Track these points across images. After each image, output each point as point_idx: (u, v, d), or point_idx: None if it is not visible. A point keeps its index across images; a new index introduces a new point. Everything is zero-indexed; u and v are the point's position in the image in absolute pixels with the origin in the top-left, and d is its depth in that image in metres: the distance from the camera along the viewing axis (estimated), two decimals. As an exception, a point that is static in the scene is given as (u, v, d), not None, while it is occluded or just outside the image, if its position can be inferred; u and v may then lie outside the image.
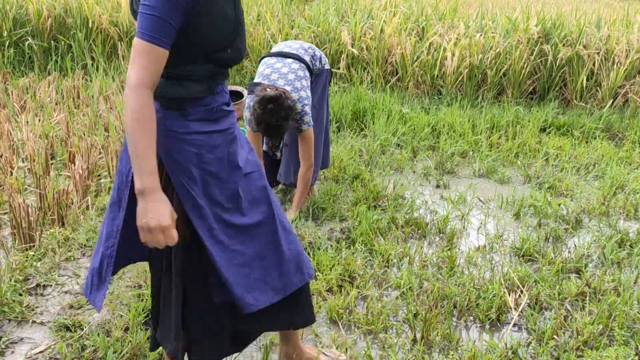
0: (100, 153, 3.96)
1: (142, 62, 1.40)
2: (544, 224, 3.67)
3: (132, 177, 1.52)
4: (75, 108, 5.15)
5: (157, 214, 1.41)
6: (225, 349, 1.79)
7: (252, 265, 1.64)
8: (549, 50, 6.19)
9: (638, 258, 3.22)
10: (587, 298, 2.79)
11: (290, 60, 3.27)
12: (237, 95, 5.39)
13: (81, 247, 2.73)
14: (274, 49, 3.43)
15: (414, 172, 4.49)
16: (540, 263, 3.14)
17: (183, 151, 1.52)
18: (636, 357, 2.35)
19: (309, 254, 3.09)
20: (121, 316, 2.25)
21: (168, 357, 1.72)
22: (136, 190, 1.42)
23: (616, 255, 3.22)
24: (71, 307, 2.31)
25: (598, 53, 6.18)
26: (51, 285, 2.45)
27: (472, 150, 4.92)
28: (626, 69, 6.04)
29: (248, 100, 3.12)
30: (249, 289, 1.62)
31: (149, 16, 1.40)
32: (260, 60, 3.38)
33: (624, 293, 2.77)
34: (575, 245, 3.38)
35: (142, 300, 2.36)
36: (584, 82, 6.12)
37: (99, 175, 3.78)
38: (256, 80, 3.24)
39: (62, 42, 6.53)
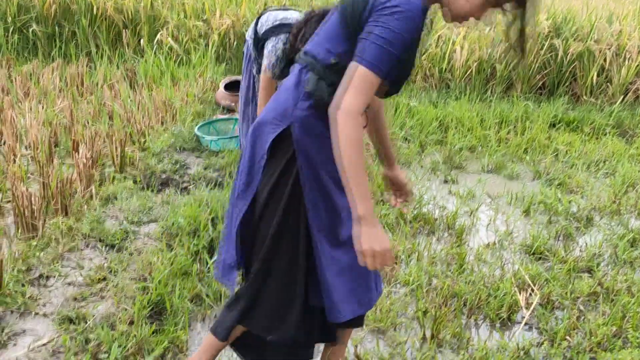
0: (104, 142, 3.91)
1: (363, 90, 1.42)
2: (554, 222, 3.61)
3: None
4: (79, 96, 5.09)
5: (381, 239, 1.45)
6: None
7: (344, 275, 1.64)
8: (559, 45, 6.10)
9: (651, 258, 3.16)
10: (600, 298, 2.74)
11: (295, 11, 3.07)
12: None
13: (85, 238, 2.68)
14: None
15: (422, 166, 4.42)
16: (551, 261, 3.08)
17: (321, 151, 1.55)
18: (652, 360, 2.30)
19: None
20: (126, 309, 2.19)
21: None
22: (354, 217, 1.45)
23: (629, 255, 3.16)
24: (75, 299, 2.26)
25: (609, 48, 6.09)
26: (54, 276, 2.39)
27: (481, 145, 4.85)
28: (638, 65, 5.96)
29: (272, 43, 2.91)
30: (341, 298, 1.63)
31: (381, 48, 1.41)
32: (261, 15, 3.07)
33: (638, 294, 2.71)
34: (586, 243, 3.32)
35: (147, 292, 2.31)
36: (595, 77, 6.04)
37: (102, 164, 3.72)
38: (269, 25, 2.94)
39: (66, 29, 6.45)
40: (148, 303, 2.25)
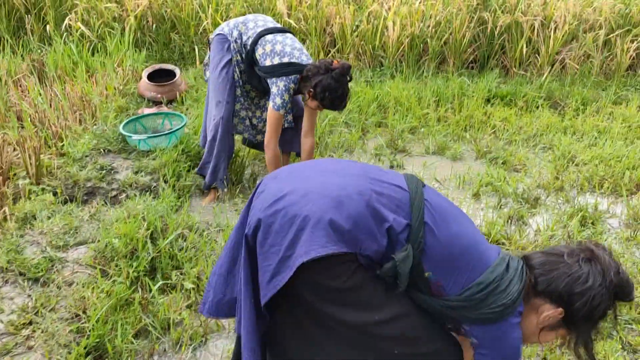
0: (15, 150, 3.45)
1: None
2: (504, 204, 3.56)
3: None
4: (-19, 94, 4.51)
5: None
6: None
7: None
8: (488, 18, 6.08)
9: (602, 237, 3.17)
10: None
11: (290, 34, 3.20)
12: (168, 74, 4.93)
13: (2, 272, 2.30)
14: (263, 25, 3.18)
15: (366, 152, 4.26)
16: (508, 249, 3.01)
17: None
18: (624, 351, 2.27)
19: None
20: (60, 361, 1.89)
21: None
22: None
23: (581, 235, 3.15)
24: (-5, 354, 1.92)
25: (536, 19, 6.13)
26: (-32, 326, 2.03)
27: (422, 125, 4.75)
28: (564, 34, 6.04)
29: (284, 83, 3.06)
30: None
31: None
32: (259, 39, 3.12)
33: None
34: (539, 226, 3.29)
35: (84, 335, 2.01)
36: (524, 49, 6.07)
37: (14, 175, 3.29)
38: (275, 59, 3.06)
39: (-42, 17, 5.73)
40: (85, 349, 1.96)
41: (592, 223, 3.35)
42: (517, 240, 3.09)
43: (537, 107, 5.36)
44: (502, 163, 4.15)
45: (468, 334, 1.51)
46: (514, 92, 5.53)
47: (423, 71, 5.97)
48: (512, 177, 3.89)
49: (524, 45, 6.07)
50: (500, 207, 3.52)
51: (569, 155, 4.25)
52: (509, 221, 3.37)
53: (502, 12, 6.16)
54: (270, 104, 3.13)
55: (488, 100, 5.42)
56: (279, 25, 3.25)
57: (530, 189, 3.74)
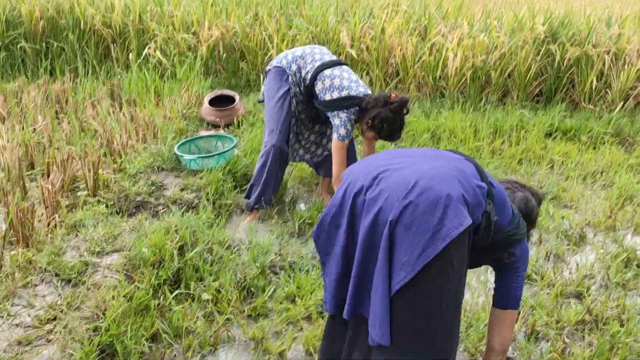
0: (78, 164, 3.79)
1: None
2: (544, 240, 3.44)
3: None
4: (63, 114, 4.99)
5: None
6: None
7: None
8: (556, 50, 5.92)
9: (645, 280, 2.99)
10: (588, 327, 2.57)
11: (345, 67, 3.36)
12: (229, 100, 5.20)
13: (42, 272, 2.55)
14: (320, 59, 3.33)
15: (410, 181, 4.26)
16: (537, 286, 2.91)
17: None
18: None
19: (289, 275, 2.89)
20: (71, 355, 2.06)
21: None
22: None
23: (621, 277, 2.99)
24: (19, 343, 2.12)
25: (608, 52, 5.90)
26: (2, 317, 2.26)
27: (474, 157, 4.68)
28: (638, 70, 5.76)
29: (346, 115, 3.21)
30: None
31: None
32: (318, 74, 3.28)
33: (627, 323, 2.54)
34: (577, 264, 3.15)
35: (99, 334, 2.18)
36: (594, 83, 5.84)
37: (76, 188, 3.61)
38: (335, 94, 3.22)
39: (54, 45, 6.38)
40: (98, 346, 2.12)
41: (638, 265, 3.16)
42: (551, 277, 2.98)
43: (603, 144, 5.12)
44: (552, 198, 4.01)
45: (511, 257, 1.91)
46: (579, 127, 5.33)
47: (484, 103, 5.89)
48: (561, 212, 3.75)
49: (594, 79, 5.84)
50: (540, 243, 3.41)
51: (628, 194, 4.04)
52: (547, 257, 3.26)
53: (572, 44, 5.98)
54: (335, 136, 3.26)
55: (549, 134, 5.26)
56: (334, 58, 3.40)
57: (578, 226, 3.59)
